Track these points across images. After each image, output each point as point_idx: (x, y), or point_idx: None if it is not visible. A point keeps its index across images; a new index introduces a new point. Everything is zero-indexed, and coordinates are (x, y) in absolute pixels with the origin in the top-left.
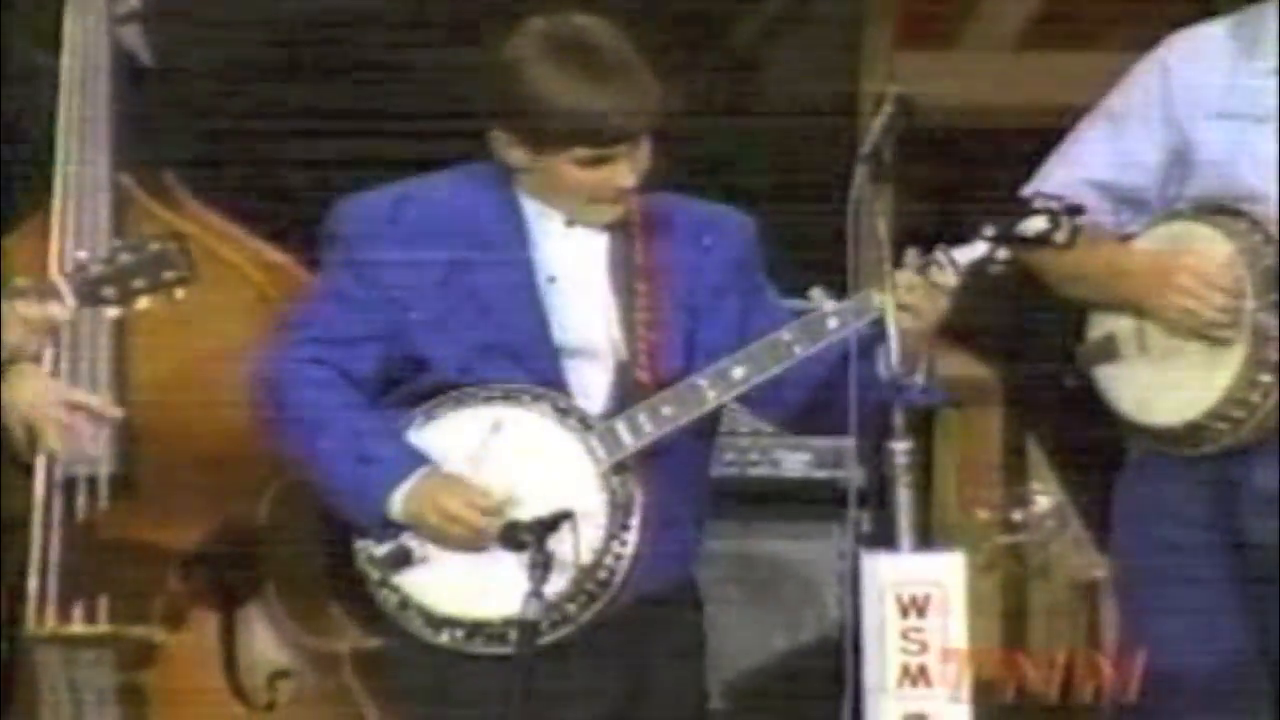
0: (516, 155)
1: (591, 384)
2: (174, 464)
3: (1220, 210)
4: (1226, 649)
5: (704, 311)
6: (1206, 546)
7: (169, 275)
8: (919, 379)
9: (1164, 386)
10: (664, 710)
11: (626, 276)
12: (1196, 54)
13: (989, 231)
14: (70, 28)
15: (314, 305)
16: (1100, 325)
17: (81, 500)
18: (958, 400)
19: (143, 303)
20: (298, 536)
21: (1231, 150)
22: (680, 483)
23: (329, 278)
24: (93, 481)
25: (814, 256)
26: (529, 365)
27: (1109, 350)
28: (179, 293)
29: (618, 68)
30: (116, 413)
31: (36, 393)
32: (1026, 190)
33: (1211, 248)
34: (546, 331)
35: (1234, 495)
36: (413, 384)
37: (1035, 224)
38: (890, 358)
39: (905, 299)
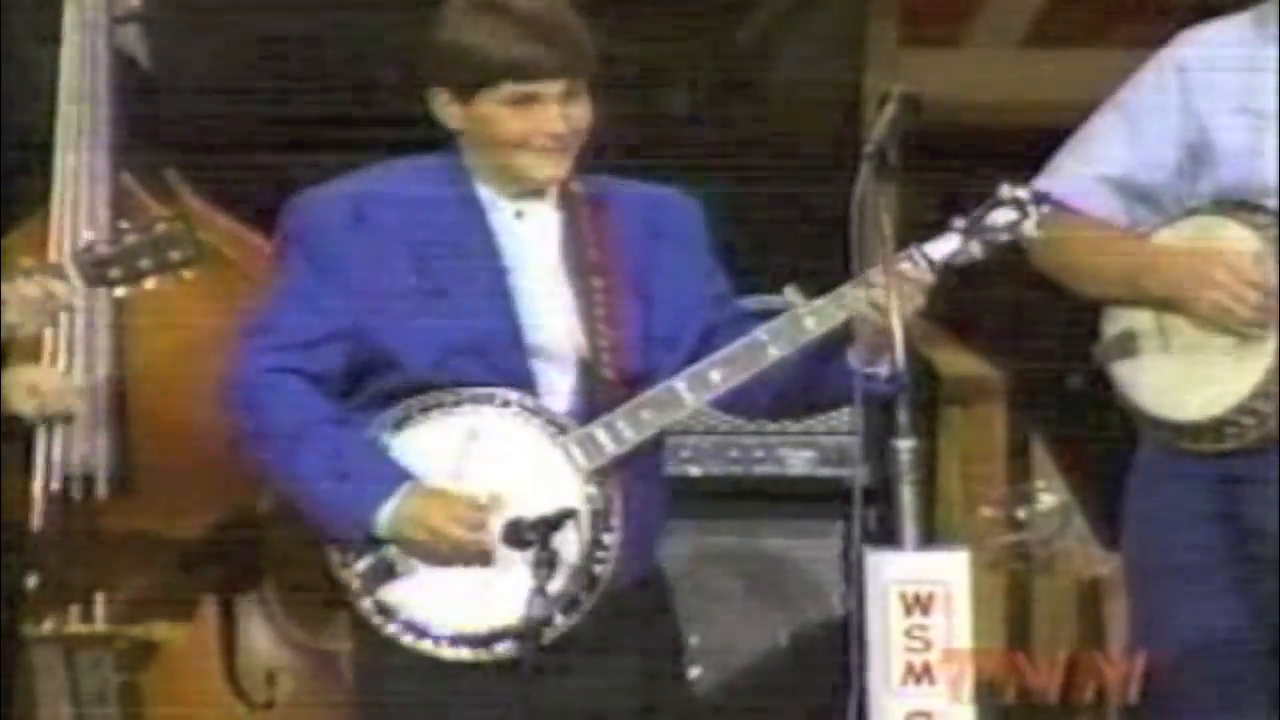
0: (453, 113)
1: (557, 382)
2: (172, 459)
3: (1242, 205)
4: (1246, 646)
5: (658, 300)
6: (1225, 543)
7: (175, 256)
8: (883, 370)
9: (1189, 382)
10: (657, 703)
11: (581, 272)
12: (1215, 49)
13: (959, 224)
14: (70, 23)
15: (277, 309)
16: (1118, 321)
17: (78, 498)
18: (906, 384)
19: (150, 283)
20: (298, 532)
21: (1251, 145)
22: (646, 480)
23: (290, 278)
24: (89, 480)
25: (817, 254)
26: (498, 364)
27: (1128, 346)
28: (186, 274)
29: (544, 14)
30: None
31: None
32: (1039, 184)
33: (1239, 243)
34: (516, 329)
35: (1252, 492)
36: (379, 383)
37: (1004, 214)
38: (872, 352)
39: (876, 299)
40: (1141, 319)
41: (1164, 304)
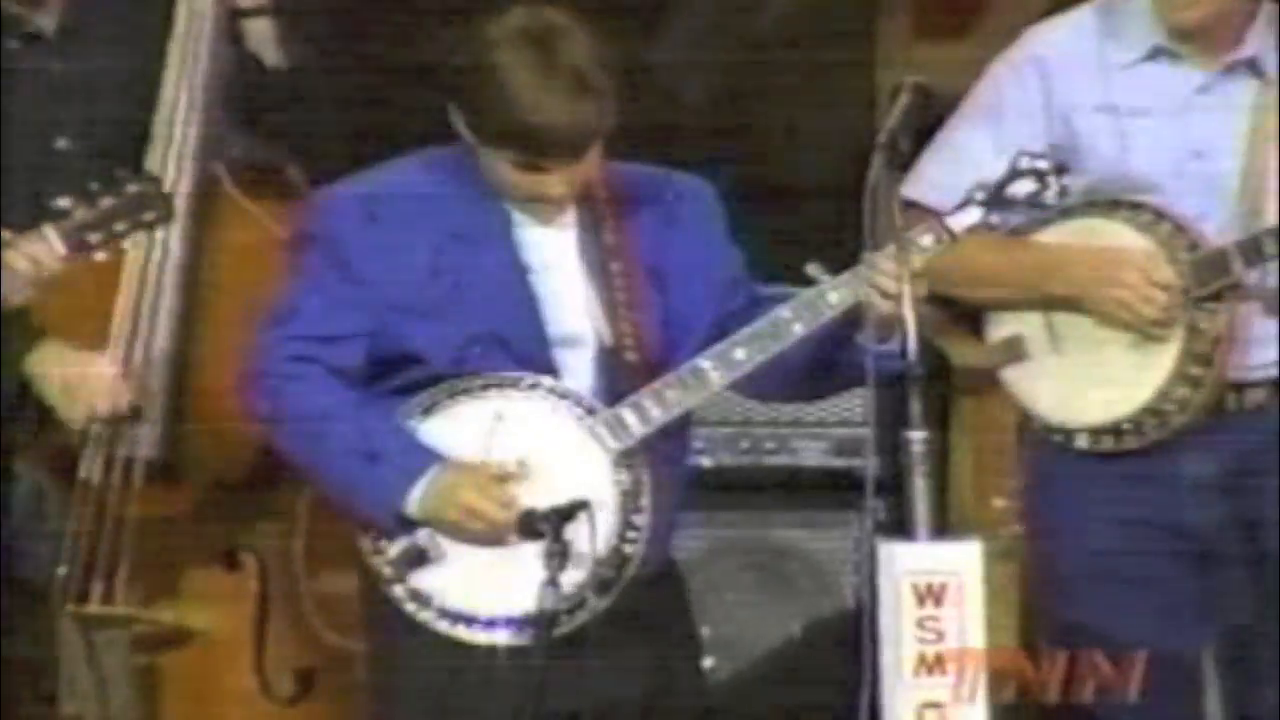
0: (465, 133)
1: (578, 369)
2: (223, 445)
3: (1116, 204)
4: (1158, 644)
5: (675, 284)
6: (1128, 542)
7: (148, 216)
8: (893, 345)
9: (1087, 383)
10: (674, 689)
11: (599, 258)
12: (1070, 47)
13: (980, 196)
14: (180, 14)
15: (298, 303)
16: (1002, 326)
17: (117, 483)
18: (922, 368)
19: (125, 244)
20: (335, 529)
21: (1119, 142)
22: (672, 465)
23: (310, 276)
24: (130, 463)
25: (830, 244)
26: (520, 354)
27: (1016, 349)
28: (159, 232)
29: (567, 78)
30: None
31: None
32: (904, 191)
33: (1128, 242)
34: (536, 320)
35: (1163, 486)
36: (402, 377)
37: (1025, 185)
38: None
39: (884, 285)
40: (1029, 322)
41: (1066, 305)
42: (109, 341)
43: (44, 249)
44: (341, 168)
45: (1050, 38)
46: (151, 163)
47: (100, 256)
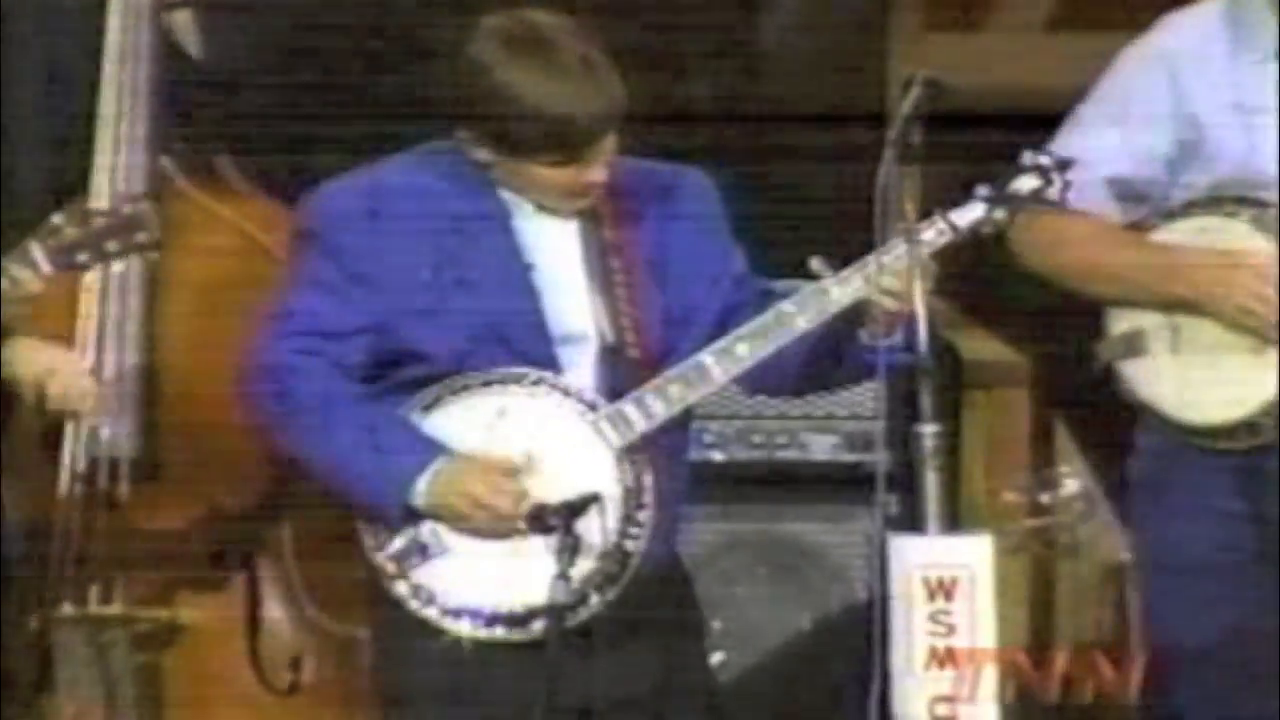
0: (483, 154)
1: (580, 366)
2: (201, 446)
3: (1242, 201)
4: (1270, 639)
5: (676, 280)
6: (1244, 537)
7: (141, 238)
8: (898, 339)
9: (1206, 383)
10: (682, 685)
11: (600, 255)
12: (1199, 43)
13: (984, 192)
14: (114, 9)
15: (300, 299)
16: (1124, 320)
17: (104, 483)
18: (930, 362)
19: (116, 266)
20: (327, 518)
21: (1246, 140)
22: (673, 461)
23: (311, 271)
24: (115, 464)
25: (841, 238)
26: (522, 351)
27: (1136, 346)
28: (153, 255)
29: (580, 67)
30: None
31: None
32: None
33: (1250, 243)
34: (538, 317)
35: (1272, 486)
36: (404, 374)
37: (1029, 181)
38: (919, 333)
39: (889, 285)
40: (1152, 318)
41: (1189, 307)
42: (74, 342)
43: (27, 270)
44: (270, 158)
45: (1180, 33)
46: (100, 162)
47: (89, 277)
